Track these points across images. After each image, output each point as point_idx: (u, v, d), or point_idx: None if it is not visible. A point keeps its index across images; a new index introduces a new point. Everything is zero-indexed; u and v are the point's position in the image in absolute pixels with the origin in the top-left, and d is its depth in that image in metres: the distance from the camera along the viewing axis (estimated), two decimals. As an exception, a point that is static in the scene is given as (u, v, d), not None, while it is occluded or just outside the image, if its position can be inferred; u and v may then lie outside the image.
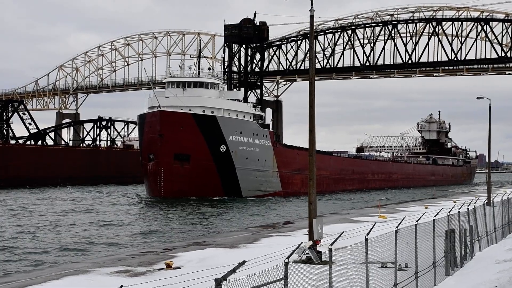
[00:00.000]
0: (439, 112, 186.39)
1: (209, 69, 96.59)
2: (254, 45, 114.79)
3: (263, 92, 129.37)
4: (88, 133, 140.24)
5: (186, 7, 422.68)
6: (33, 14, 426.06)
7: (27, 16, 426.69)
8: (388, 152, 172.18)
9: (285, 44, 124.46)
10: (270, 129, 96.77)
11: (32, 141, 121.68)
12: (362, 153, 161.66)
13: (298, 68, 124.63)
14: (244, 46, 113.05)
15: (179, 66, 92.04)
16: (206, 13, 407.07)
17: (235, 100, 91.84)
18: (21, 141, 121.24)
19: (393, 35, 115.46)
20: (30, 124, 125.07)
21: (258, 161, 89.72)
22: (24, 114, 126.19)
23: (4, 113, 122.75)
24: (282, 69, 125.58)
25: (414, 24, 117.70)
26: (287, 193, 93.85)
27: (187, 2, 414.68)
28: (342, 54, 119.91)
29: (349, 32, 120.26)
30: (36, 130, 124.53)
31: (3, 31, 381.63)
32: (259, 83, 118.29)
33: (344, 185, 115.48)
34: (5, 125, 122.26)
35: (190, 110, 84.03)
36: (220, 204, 72.71)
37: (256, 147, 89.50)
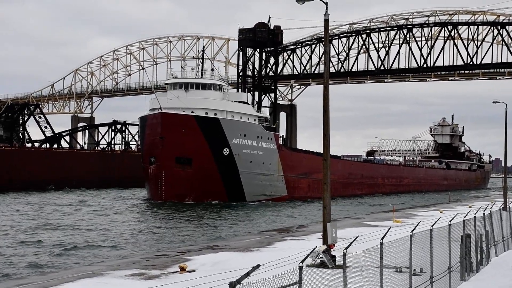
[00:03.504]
0: (452, 115, 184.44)
1: (212, 70, 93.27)
2: (268, 49, 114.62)
3: (277, 96, 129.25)
4: (103, 136, 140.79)
5: (209, 10, 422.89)
6: (57, 18, 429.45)
7: (52, 20, 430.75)
8: (400, 156, 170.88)
9: (300, 48, 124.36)
10: (276, 132, 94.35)
11: (47, 144, 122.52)
12: (372, 157, 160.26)
13: (312, 72, 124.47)
14: (258, 50, 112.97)
15: (181, 67, 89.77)
16: (230, 17, 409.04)
17: (239, 102, 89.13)
18: (37, 145, 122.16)
19: (408, 39, 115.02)
20: (45, 127, 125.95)
21: (262, 164, 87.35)
22: (40, 117, 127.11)
23: (20, 117, 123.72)
24: (296, 73, 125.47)
25: (430, 28, 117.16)
26: (292, 197, 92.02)
27: (211, 5, 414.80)
28: (357, 58, 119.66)
29: (364, 36, 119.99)
30: (52, 134, 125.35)
31: (27, 36, 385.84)
32: (273, 87, 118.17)
33: (353, 190, 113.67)
34: (21, 129, 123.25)
35: (192, 112, 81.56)
36: (225, 208, 71.42)
37: (260, 150, 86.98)
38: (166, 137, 78.52)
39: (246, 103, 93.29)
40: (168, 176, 79.18)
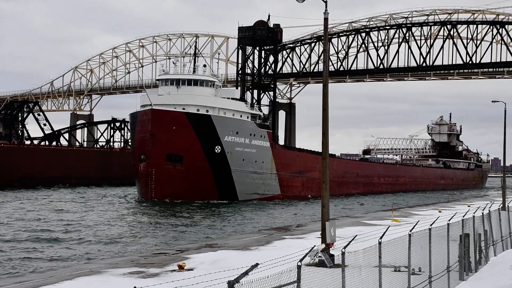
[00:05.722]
0: (450, 114, 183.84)
1: (204, 66, 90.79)
2: (267, 47, 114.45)
3: (277, 94, 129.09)
4: (102, 134, 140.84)
5: (212, 8, 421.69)
6: (61, 15, 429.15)
7: (57, 18, 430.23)
8: (397, 155, 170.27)
9: (299, 47, 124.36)
10: (269, 129, 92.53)
11: (46, 141, 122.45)
12: (369, 156, 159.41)
13: (311, 70, 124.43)
14: (257, 48, 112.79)
15: (173, 63, 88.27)
16: (233, 15, 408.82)
17: (232, 98, 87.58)
18: (35, 142, 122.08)
19: (407, 38, 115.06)
20: (44, 124, 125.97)
21: (255, 162, 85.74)
22: (39, 115, 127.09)
23: (20, 114, 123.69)
24: (296, 71, 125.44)
25: (429, 27, 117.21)
26: (286, 196, 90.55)
27: (214, 3, 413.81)
28: (356, 56, 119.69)
29: (363, 34, 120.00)
30: (51, 131, 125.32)
31: (30, 33, 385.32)
32: (272, 86, 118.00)
33: (348, 189, 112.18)
34: (20, 126, 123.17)
35: (183, 108, 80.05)
36: (218, 207, 70.13)
37: (253, 148, 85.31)
38: (157, 134, 77.11)
39: (239, 99, 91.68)
40: (158, 174, 77.74)
